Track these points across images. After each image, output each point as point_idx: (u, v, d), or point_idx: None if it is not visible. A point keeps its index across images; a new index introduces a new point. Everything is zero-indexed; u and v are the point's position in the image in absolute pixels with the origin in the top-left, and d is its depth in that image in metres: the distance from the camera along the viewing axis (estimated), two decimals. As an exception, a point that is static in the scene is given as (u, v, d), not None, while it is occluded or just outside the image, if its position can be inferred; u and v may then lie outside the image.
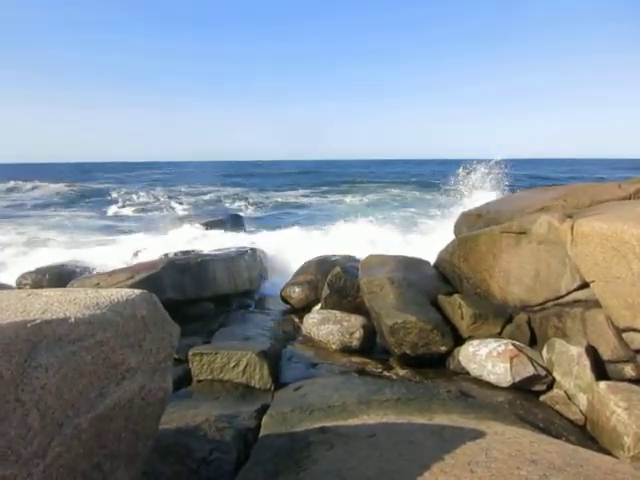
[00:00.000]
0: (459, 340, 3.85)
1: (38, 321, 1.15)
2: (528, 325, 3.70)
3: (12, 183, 32.39)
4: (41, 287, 6.38)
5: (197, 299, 5.63)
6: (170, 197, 22.83)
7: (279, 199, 24.01)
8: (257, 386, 3.37)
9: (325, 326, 4.64)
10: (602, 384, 2.77)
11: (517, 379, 3.17)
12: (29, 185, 31.30)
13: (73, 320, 1.23)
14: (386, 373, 3.74)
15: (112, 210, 19.43)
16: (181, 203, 20.40)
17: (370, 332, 4.46)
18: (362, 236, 9.01)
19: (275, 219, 17.09)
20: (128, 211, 19.10)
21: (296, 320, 5.20)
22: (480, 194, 10.28)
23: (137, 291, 1.56)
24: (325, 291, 5.47)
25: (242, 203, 22.23)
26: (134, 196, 23.92)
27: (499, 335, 3.80)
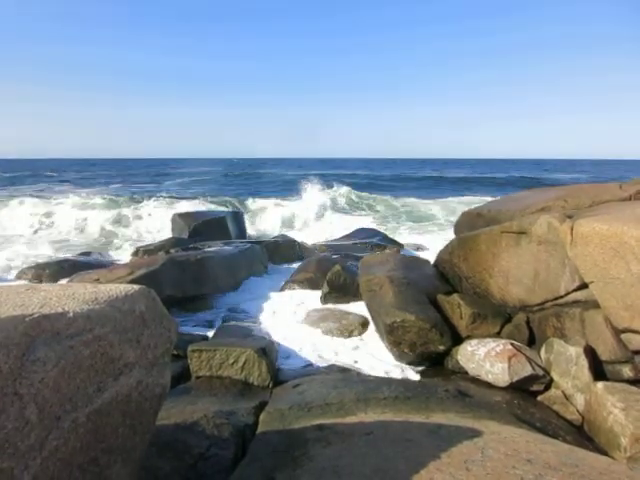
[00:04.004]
0: (458, 339, 3.85)
1: (36, 315, 1.16)
2: (527, 325, 3.71)
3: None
4: (40, 282, 6.40)
5: (197, 295, 5.65)
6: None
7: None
8: (256, 383, 3.38)
9: (324, 324, 4.66)
10: (600, 384, 2.77)
11: (515, 379, 3.18)
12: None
13: (71, 315, 1.23)
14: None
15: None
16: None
17: (369, 330, 4.47)
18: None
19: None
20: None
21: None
22: None
23: (136, 286, 1.56)
24: (325, 289, 5.48)
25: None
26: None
27: (498, 335, 3.81)
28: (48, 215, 13.72)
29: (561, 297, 3.41)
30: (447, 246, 4.75)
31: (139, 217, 13.18)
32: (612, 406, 2.56)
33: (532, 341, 3.66)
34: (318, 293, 5.71)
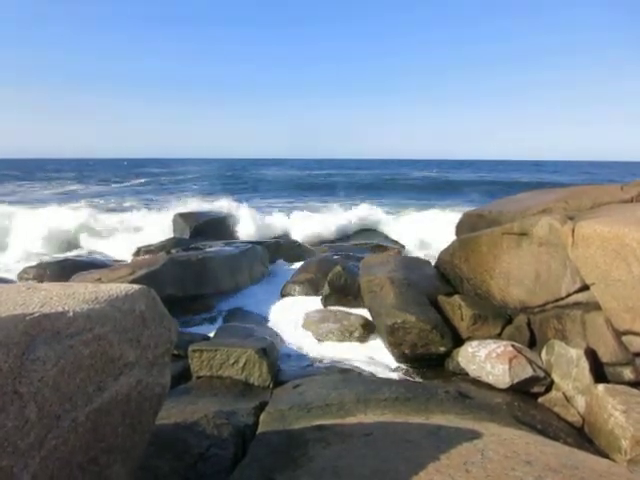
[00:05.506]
0: (458, 341, 3.84)
1: (37, 314, 1.16)
2: (528, 326, 3.70)
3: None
4: (42, 281, 6.41)
5: (198, 296, 5.65)
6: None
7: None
8: (256, 383, 3.38)
9: (325, 324, 4.66)
10: (600, 387, 2.76)
11: (516, 380, 3.17)
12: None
13: (71, 314, 1.23)
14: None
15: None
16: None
17: (369, 331, 4.47)
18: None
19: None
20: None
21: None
22: None
23: (136, 286, 1.56)
24: (325, 290, 5.48)
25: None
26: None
27: (498, 336, 3.80)
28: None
29: (562, 299, 3.40)
30: (448, 247, 4.75)
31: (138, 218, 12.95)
32: (613, 408, 2.56)
33: (533, 343, 3.65)
34: (319, 294, 5.71)
